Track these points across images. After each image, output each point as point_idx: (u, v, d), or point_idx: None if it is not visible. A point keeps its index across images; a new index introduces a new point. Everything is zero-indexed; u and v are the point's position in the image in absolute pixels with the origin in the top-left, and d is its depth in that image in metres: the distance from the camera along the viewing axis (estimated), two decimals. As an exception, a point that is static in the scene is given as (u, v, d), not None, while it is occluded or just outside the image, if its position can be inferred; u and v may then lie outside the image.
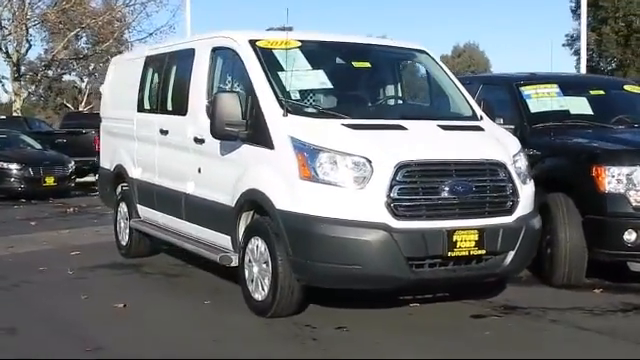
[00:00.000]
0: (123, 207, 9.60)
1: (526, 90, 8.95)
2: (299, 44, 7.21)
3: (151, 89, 8.96)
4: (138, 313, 6.88)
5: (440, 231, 6.13)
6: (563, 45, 61.56)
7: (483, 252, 6.29)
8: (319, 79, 7.05)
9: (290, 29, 7.51)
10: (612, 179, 7.44)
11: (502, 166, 6.49)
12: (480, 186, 6.36)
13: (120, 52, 35.16)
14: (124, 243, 9.62)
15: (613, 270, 8.01)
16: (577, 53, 60.79)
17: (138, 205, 9.14)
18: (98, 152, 21.41)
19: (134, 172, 9.19)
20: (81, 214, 14.84)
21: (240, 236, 6.95)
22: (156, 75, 8.88)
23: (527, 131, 8.35)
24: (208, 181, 7.41)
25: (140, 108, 9.12)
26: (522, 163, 6.73)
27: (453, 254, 6.17)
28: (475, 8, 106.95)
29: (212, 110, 6.78)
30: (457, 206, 6.24)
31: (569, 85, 9.23)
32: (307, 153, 6.20)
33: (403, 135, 6.47)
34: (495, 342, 6.06)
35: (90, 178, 20.48)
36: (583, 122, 8.61)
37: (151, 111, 8.83)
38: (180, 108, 8.07)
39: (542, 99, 8.86)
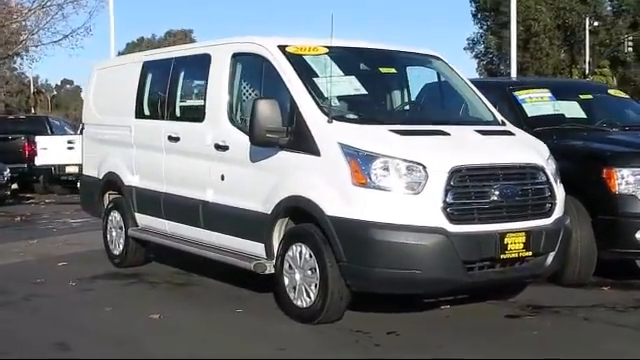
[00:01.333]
0: (115, 216, 9.37)
1: (520, 95, 9.18)
2: (327, 50, 7.23)
3: (153, 95, 8.78)
4: (180, 324, 6.72)
5: (493, 234, 6.27)
6: (464, 49, 63.23)
7: (530, 254, 6.46)
8: (353, 85, 7.09)
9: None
10: (622, 180, 7.73)
11: (541, 169, 6.68)
12: (524, 189, 6.53)
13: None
14: (117, 252, 9.40)
15: (609, 268, 8.32)
16: (477, 57, 62.77)
17: (137, 214, 8.94)
18: (29, 159, 21.46)
19: (132, 179, 8.99)
20: (33, 223, 14.45)
21: (276, 243, 6.92)
22: (159, 81, 8.71)
23: (527, 135, 8.57)
24: (234, 188, 7.33)
25: (139, 114, 8.93)
26: (554, 166, 6.93)
27: (504, 256, 6.32)
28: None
29: (251, 117, 6.71)
30: (505, 209, 6.39)
31: (559, 89, 9.53)
32: (360, 159, 6.22)
33: (448, 140, 6.58)
34: (549, 341, 6.22)
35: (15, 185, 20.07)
36: (579, 125, 8.90)
37: (155, 117, 8.65)
38: (194, 114, 7.96)
39: (536, 103, 9.11)
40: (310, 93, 6.76)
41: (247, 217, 7.15)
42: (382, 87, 7.63)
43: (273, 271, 6.95)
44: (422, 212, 6.12)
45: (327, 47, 7.24)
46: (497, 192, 6.34)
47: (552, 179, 6.73)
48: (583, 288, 7.96)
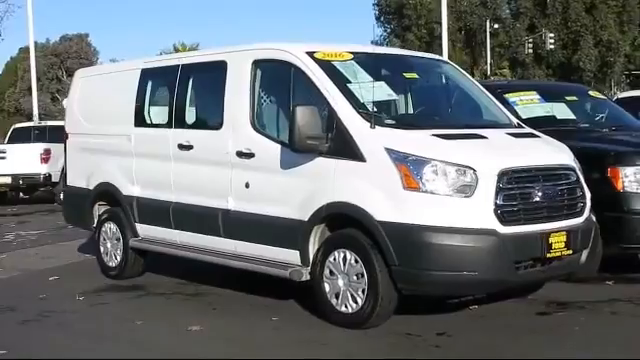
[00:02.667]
0: (111, 227, 9.16)
1: (510, 97, 9.41)
2: (352, 56, 7.28)
3: (158, 103, 8.63)
4: (228, 335, 6.66)
5: (539, 234, 6.44)
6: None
7: (571, 252, 6.67)
8: (384, 90, 7.14)
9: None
10: (627, 179, 8.05)
11: (573, 170, 6.91)
12: (561, 190, 6.74)
13: None
14: (113, 264, 9.18)
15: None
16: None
17: (138, 224, 8.76)
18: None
19: (132, 189, 8.80)
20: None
21: (312, 250, 6.92)
22: (164, 88, 8.56)
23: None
24: (262, 196, 7.28)
25: (140, 123, 8.75)
26: (579, 167, 7.17)
27: (549, 255, 6.51)
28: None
29: (291, 124, 6.69)
30: (547, 209, 6.58)
31: (546, 92, 9.83)
32: (411, 164, 6.30)
33: (488, 144, 6.72)
34: (601, 337, 6.42)
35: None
36: (572, 126, 9.21)
37: (161, 126, 8.49)
38: (209, 122, 7.87)
39: (528, 105, 9.36)
40: (348, 99, 6.79)
41: (278, 224, 7.11)
42: (409, 92, 7.72)
43: (309, 278, 6.95)
44: (475, 215, 6.24)
45: (352, 53, 7.30)
46: (539, 193, 6.53)
47: (582, 179, 6.96)
48: (588, 283, 8.19)
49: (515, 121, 7.75)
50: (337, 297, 6.73)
